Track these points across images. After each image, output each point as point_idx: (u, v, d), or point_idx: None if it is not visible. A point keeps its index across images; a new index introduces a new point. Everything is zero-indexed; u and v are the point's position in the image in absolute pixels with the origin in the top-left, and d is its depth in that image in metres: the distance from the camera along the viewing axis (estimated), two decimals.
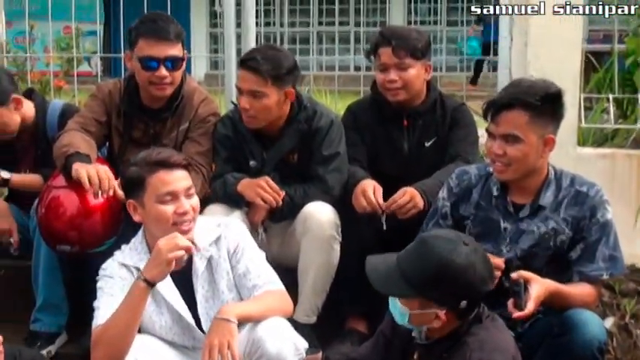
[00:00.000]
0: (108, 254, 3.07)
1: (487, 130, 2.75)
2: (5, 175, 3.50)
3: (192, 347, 2.79)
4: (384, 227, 3.16)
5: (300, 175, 3.37)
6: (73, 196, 3.12)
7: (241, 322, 2.58)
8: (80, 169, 3.06)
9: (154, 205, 2.66)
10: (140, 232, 2.77)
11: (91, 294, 3.09)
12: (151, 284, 2.60)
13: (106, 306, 2.66)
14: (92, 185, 3.02)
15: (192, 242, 2.64)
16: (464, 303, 2.36)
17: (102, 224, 3.17)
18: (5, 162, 3.57)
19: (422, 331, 2.46)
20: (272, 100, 3.25)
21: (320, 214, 3.22)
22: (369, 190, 3.18)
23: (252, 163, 3.38)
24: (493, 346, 2.35)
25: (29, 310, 3.44)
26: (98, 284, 2.72)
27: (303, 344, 2.63)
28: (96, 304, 2.67)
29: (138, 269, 2.69)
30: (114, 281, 2.71)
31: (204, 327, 2.74)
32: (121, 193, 3.04)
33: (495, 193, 2.84)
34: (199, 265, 2.75)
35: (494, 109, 2.70)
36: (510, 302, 2.56)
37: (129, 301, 2.59)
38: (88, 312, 3.11)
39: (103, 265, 2.75)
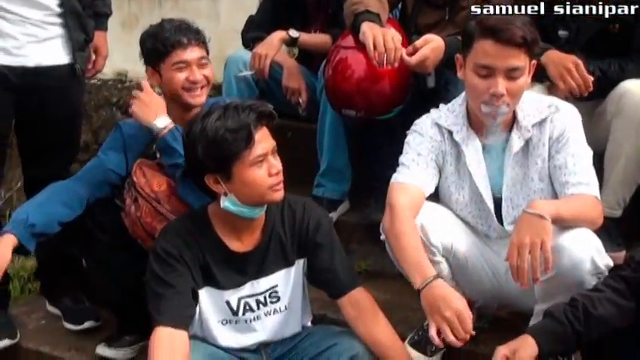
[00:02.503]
0: (394, 121, 3.06)
1: None
2: (294, 34, 3.46)
3: (483, 234, 2.60)
4: None
5: (620, 47, 2.95)
6: (361, 58, 2.94)
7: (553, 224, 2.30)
8: (368, 32, 2.88)
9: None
10: (463, 95, 2.55)
11: (376, 162, 3.26)
12: None
13: (410, 163, 2.53)
14: (377, 53, 2.85)
15: None
16: None
17: (390, 90, 3.00)
18: (296, 22, 3.54)
19: None
20: None
21: (638, 93, 2.82)
22: None
23: (561, 32, 3.03)
24: None
25: (313, 175, 3.44)
26: (406, 139, 2.58)
27: (606, 262, 2.33)
28: (401, 159, 2.55)
29: (451, 133, 2.53)
30: (423, 139, 2.56)
31: (504, 213, 2.52)
32: (408, 59, 2.88)
33: None
34: (516, 143, 2.49)
35: None
36: None
37: None
38: (372, 181, 3.32)
39: (416, 121, 2.61)
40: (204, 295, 2.38)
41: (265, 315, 2.45)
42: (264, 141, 2.27)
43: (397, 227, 2.37)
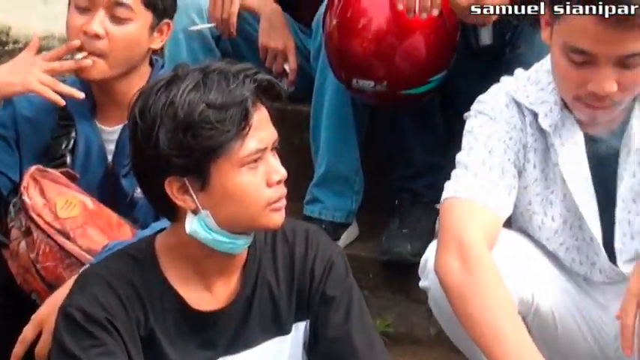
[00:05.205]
0: (432, 98, 3.09)
1: None
2: None
3: (582, 277, 2.47)
4: None
5: None
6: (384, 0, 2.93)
7: None
8: None
9: None
10: (547, 59, 2.40)
11: (403, 164, 3.29)
12: None
13: (479, 167, 2.36)
14: None
15: None
16: None
17: (427, 49, 2.95)
18: None
19: None
20: None
21: None
22: None
23: None
24: None
25: (304, 185, 3.35)
26: (468, 124, 2.44)
27: None
28: (463, 158, 2.40)
29: (536, 116, 2.39)
30: (496, 127, 2.40)
31: (618, 244, 2.40)
32: None
33: None
34: (637, 132, 2.36)
35: None
36: None
37: None
38: (394, 194, 3.34)
39: (482, 97, 2.45)
40: None
41: None
42: (263, 129, 2.13)
43: (478, 285, 2.23)
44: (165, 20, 2.77)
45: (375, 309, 3.10)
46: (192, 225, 2.14)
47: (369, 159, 3.34)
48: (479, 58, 3.05)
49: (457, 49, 3.04)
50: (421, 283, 2.41)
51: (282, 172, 2.15)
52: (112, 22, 2.64)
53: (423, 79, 2.97)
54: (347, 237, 3.33)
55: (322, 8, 3.14)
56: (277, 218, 2.17)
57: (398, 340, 3.05)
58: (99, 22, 2.62)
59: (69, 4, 2.72)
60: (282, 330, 2.27)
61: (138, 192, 2.57)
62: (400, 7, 2.81)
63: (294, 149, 3.27)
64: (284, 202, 2.18)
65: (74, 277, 2.29)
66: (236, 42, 3.44)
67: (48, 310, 2.34)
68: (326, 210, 3.29)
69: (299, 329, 2.29)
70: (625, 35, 2.18)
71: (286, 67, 3.41)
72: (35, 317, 2.36)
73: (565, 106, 2.38)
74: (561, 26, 2.25)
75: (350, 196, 3.31)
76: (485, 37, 3.00)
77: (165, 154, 2.07)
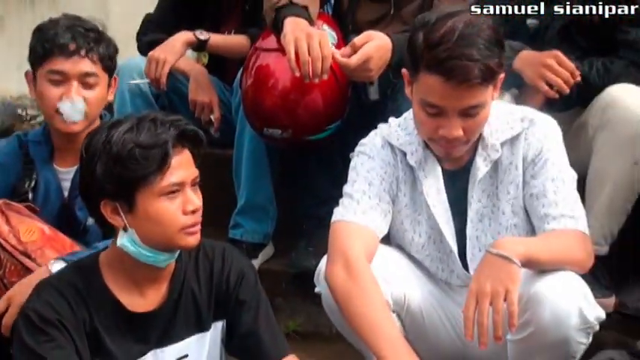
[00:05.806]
0: (328, 143, 3.17)
1: None
2: (202, 35, 3.52)
3: (444, 281, 2.67)
4: None
5: (602, 42, 3.09)
6: (287, 63, 2.95)
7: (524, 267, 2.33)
8: (289, 35, 2.91)
9: None
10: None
11: (306, 196, 3.39)
12: None
13: (361, 196, 2.58)
14: (299, 64, 2.88)
15: None
16: None
17: (324, 103, 3.09)
18: (205, 21, 3.63)
19: None
20: None
21: (627, 100, 2.90)
22: None
23: (530, 21, 3.17)
24: None
25: (228, 213, 3.49)
26: (352, 163, 2.64)
27: (596, 314, 2.38)
28: (347, 189, 2.60)
29: (404, 154, 2.59)
30: (373, 164, 2.61)
31: (469, 255, 2.59)
32: (346, 61, 2.89)
33: None
34: (481, 167, 2.55)
35: None
36: None
37: None
38: (302, 220, 3.44)
39: (363, 140, 2.66)
40: None
41: None
42: (183, 167, 2.28)
43: (358, 288, 2.40)
44: (114, 76, 2.88)
45: (288, 312, 3.35)
46: (121, 240, 2.29)
47: (281, 191, 3.47)
48: (368, 109, 3.12)
49: (350, 102, 3.15)
50: (316, 289, 2.58)
51: (196, 204, 2.27)
52: (85, 89, 2.75)
53: (321, 128, 3.11)
54: (264, 255, 3.49)
55: (240, 70, 3.24)
56: (191, 240, 2.29)
57: (306, 337, 3.26)
58: (76, 92, 2.73)
59: (34, 76, 2.78)
60: (203, 328, 2.42)
61: (90, 221, 2.72)
62: (297, 73, 2.88)
63: (220, 184, 3.36)
64: (198, 227, 2.29)
65: (38, 270, 2.48)
66: (171, 98, 3.56)
67: (16, 289, 2.47)
68: (246, 233, 3.44)
69: (217, 327, 2.45)
70: (466, 92, 2.35)
71: (212, 117, 3.54)
72: (6, 295, 2.47)
73: (427, 146, 2.53)
74: (418, 85, 2.41)
75: (266, 222, 3.47)
76: (373, 93, 3.08)
77: (100, 181, 2.23)
